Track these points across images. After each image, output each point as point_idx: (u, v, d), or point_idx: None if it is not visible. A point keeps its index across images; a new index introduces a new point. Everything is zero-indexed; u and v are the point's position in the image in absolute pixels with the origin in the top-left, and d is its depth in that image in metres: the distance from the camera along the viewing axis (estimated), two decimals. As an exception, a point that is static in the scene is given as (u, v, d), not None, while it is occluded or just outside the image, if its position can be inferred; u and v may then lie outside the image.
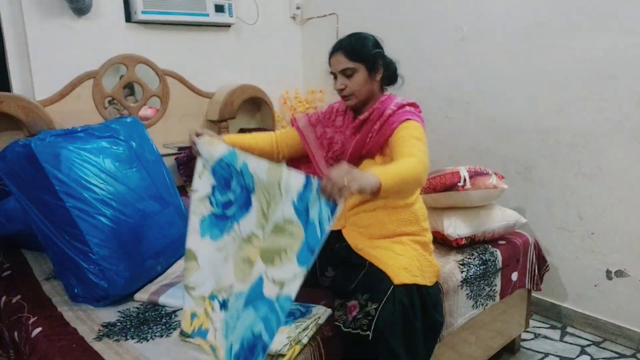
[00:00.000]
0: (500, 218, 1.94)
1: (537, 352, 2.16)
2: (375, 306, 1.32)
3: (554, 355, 2.13)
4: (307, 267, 1.10)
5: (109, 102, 2.63)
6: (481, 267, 1.78)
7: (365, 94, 1.52)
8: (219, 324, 1.26)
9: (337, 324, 1.36)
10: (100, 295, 1.50)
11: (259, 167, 1.24)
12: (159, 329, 1.36)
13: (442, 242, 1.89)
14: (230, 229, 1.32)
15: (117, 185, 1.60)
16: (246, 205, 1.28)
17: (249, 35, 3.08)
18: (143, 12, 2.54)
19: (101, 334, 1.34)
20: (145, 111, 2.73)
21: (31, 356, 1.30)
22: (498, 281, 1.86)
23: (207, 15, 2.78)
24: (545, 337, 2.27)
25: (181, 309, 1.47)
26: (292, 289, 1.11)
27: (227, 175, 1.33)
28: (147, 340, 1.31)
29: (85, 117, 2.43)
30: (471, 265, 1.76)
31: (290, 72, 3.34)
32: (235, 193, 1.33)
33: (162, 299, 1.51)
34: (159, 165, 1.85)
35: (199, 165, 1.40)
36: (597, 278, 2.22)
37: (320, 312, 1.38)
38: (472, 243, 1.89)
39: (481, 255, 1.82)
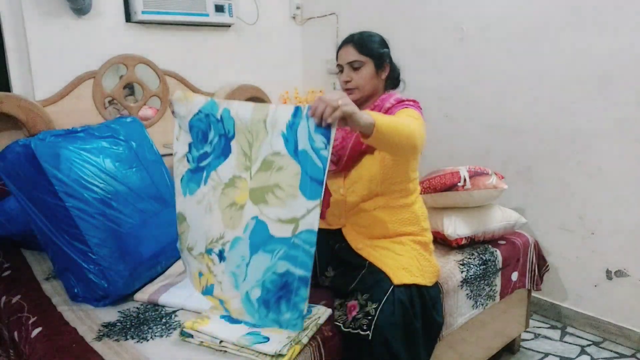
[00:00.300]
0: (500, 218, 1.94)
1: (537, 352, 2.16)
2: (375, 306, 1.32)
3: (554, 355, 2.13)
4: (319, 199, 1.08)
5: (109, 102, 2.63)
6: (481, 267, 1.78)
7: (369, 89, 1.53)
8: (222, 276, 1.25)
9: (337, 323, 1.36)
10: (100, 295, 1.49)
11: (242, 109, 1.21)
12: (159, 329, 1.36)
13: (442, 242, 1.89)
14: (207, 179, 1.30)
15: (117, 185, 1.60)
16: (224, 152, 1.27)
17: (249, 35, 3.08)
18: (143, 12, 2.54)
19: (101, 334, 1.34)
20: (145, 111, 2.73)
21: (31, 356, 1.30)
22: (498, 281, 1.86)
23: (207, 15, 2.78)
24: (545, 337, 2.27)
25: (181, 309, 1.47)
26: (311, 222, 1.09)
27: (204, 127, 1.31)
28: (147, 340, 1.31)
29: (85, 117, 2.43)
30: (471, 265, 1.76)
31: (290, 72, 3.34)
32: (212, 144, 1.30)
33: (162, 299, 1.51)
34: (159, 165, 1.85)
35: (176, 127, 1.40)
36: (597, 278, 2.22)
37: (320, 312, 1.38)
38: (472, 243, 1.89)
39: (481, 255, 1.82)
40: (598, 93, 2.09)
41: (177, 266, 1.73)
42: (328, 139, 1.09)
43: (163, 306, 1.50)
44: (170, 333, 1.34)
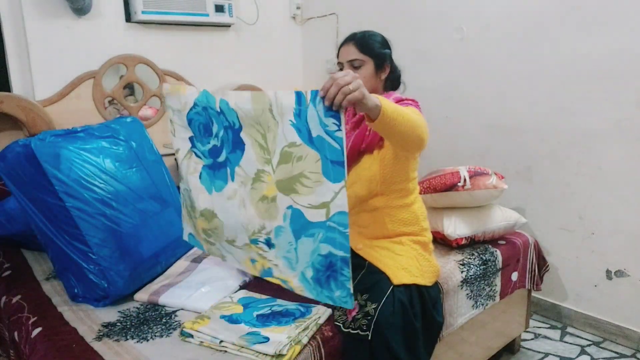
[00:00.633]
0: (500, 218, 1.94)
1: (537, 352, 2.16)
2: (374, 306, 1.32)
3: (554, 355, 2.13)
4: (343, 180, 1.10)
5: (109, 102, 2.63)
6: (481, 267, 1.78)
7: (368, 89, 1.50)
8: (277, 260, 1.28)
9: (337, 324, 1.36)
10: (100, 295, 1.49)
11: (240, 100, 1.18)
12: (159, 329, 1.36)
13: (442, 242, 1.89)
14: (234, 175, 1.29)
15: (117, 185, 1.60)
16: (237, 146, 1.25)
17: (249, 35, 3.08)
18: (143, 12, 2.54)
19: (101, 334, 1.34)
20: (145, 111, 2.73)
21: (31, 356, 1.30)
22: (498, 281, 1.86)
23: (207, 15, 2.78)
24: (545, 337, 2.27)
25: (181, 309, 1.47)
26: (341, 204, 1.11)
27: (205, 120, 1.29)
28: (147, 340, 1.31)
29: (85, 117, 2.43)
30: (471, 265, 1.76)
31: (290, 72, 3.34)
32: (218, 137, 1.28)
33: (162, 299, 1.51)
34: (159, 165, 1.85)
35: (168, 123, 1.39)
36: (597, 278, 2.22)
37: (320, 312, 1.38)
38: (472, 243, 1.89)
39: (481, 255, 1.82)
40: (598, 93, 2.09)
41: (177, 266, 1.73)
42: (339, 120, 1.08)
43: (163, 306, 1.50)
44: (170, 333, 1.34)
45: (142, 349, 1.26)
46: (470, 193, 1.84)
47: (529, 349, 2.18)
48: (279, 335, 1.25)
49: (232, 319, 1.35)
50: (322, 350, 1.30)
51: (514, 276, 1.93)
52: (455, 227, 1.83)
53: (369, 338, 1.29)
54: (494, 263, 1.83)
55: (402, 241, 1.51)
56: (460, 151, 2.60)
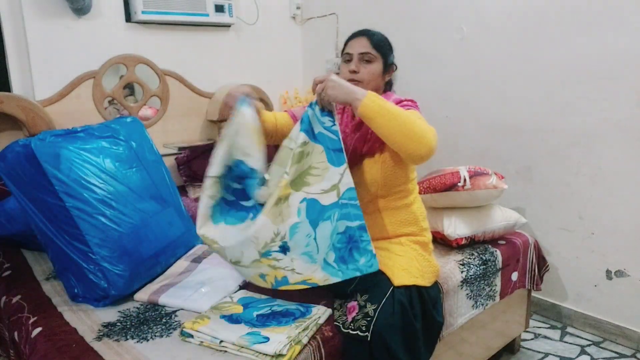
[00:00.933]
0: (500, 218, 1.94)
1: (537, 352, 2.16)
2: (374, 307, 1.32)
3: (554, 355, 2.13)
4: (344, 163, 1.32)
5: (109, 102, 2.63)
6: (481, 267, 1.78)
7: (373, 87, 1.51)
8: (293, 263, 1.33)
9: (337, 324, 1.36)
10: (100, 295, 1.49)
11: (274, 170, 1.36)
12: (159, 329, 1.36)
13: (442, 242, 1.89)
14: (256, 215, 1.35)
15: (117, 185, 1.60)
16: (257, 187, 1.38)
17: (249, 35, 3.08)
18: (143, 12, 2.54)
19: (101, 334, 1.34)
20: (145, 111, 2.73)
21: (31, 356, 1.30)
22: (498, 281, 1.86)
23: (207, 15, 2.78)
24: (545, 337, 2.27)
25: (181, 309, 1.47)
26: (347, 181, 1.32)
27: (241, 173, 1.39)
28: (147, 340, 1.31)
29: (85, 117, 2.43)
30: (471, 265, 1.76)
31: (290, 72, 3.34)
32: (250, 199, 1.40)
33: (162, 299, 1.51)
34: (159, 165, 1.85)
35: (223, 144, 1.41)
36: (597, 278, 2.22)
37: (320, 312, 1.38)
38: (472, 243, 1.89)
39: (481, 255, 1.82)
40: (598, 93, 2.09)
41: (177, 266, 1.73)
42: (332, 116, 1.36)
43: (163, 306, 1.50)
44: (170, 333, 1.34)
45: (142, 349, 1.26)
46: (470, 193, 1.84)
47: (529, 349, 2.18)
48: (279, 335, 1.25)
49: (232, 319, 1.35)
50: (322, 350, 1.30)
51: (514, 276, 1.93)
52: (455, 227, 1.83)
53: (368, 339, 1.29)
54: (494, 263, 1.83)
55: (402, 242, 1.51)
56: (460, 151, 2.60)
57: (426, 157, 1.34)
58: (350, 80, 1.48)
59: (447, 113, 2.63)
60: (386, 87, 1.59)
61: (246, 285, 1.61)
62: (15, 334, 1.44)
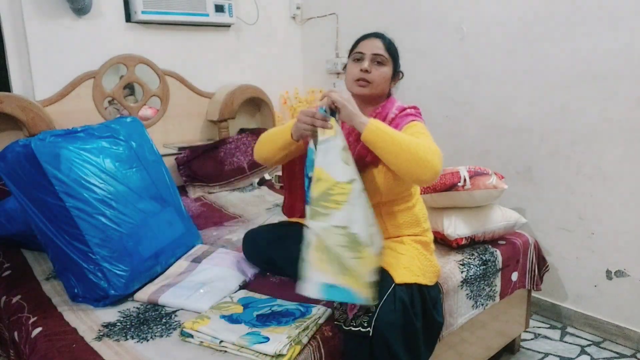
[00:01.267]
0: (500, 218, 1.94)
1: (537, 352, 2.16)
2: (375, 303, 1.32)
3: (554, 355, 2.13)
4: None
5: (109, 102, 2.63)
6: (481, 267, 1.78)
7: (380, 90, 1.51)
8: (374, 248, 1.32)
9: (338, 323, 1.36)
10: (100, 295, 1.49)
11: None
12: (159, 329, 1.36)
13: (442, 242, 1.89)
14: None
15: (117, 185, 1.60)
16: None
17: (249, 35, 3.08)
18: (143, 12, 2.54)
19: (101, 334, 1.34)
20: (145, 111, 2.73)
21: (31, 356, 1.30)
22: (498, 281, 1.86)
23: (207, 15, 2.78)
24: (545, 337, 2.27)
25: (181, 309, 1.47)
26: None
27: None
28: (147, 340, 1.31)
29: (85, 117, 2.44)
30: (471, 265, 1.76)
31: (290, 72, 3.34)
32: None
33: (162, 299, 1.51)
34: (159, 165, 1.85)
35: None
36: (597, 278, 2.22)
37: (320, 312, 1.38)
38: (472, 243, 1.89)
39: (481, 255, 1.82)
40: (598, 93, 2.09)
41: (177, 266, 1.73)
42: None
43: (163, 306, 1.50)
44: (170, 333, 1.34)
45: (142, 349, 1.26)
46: (470, 193, 1.84)
47: (529, 349, 2.18)
48: (279, 335, 1.25)
49: (232, 319, 1.35)
50: (322, 350, 1.30)
51: (514, 276, 1.93)
52: (455, 227, 1.83)
53: (370, 334, 1.29)
54: (494, 263, 1.83)
55: (404, 240, 1.52)
56: (460, 151, 2.60)
57: (431, 181, 1.34)
58: (361, 80, 1.48)
59: (447, 113, 2.63)
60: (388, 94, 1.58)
61: (246, 285, 1.61)
62: (15, 334, 1.44)
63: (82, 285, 1.51)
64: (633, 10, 1.94)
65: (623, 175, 2.07)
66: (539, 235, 2.35)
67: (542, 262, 2.06)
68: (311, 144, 1.39)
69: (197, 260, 1.76)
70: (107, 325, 1.39)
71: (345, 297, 1.26)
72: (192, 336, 1.29)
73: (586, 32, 2.08)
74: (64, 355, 1.25)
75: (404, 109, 1.50)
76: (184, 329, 1.31)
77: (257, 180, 2.85)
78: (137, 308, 1.49)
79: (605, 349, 2.16)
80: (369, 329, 1.29)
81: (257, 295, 1.51)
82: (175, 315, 1.44)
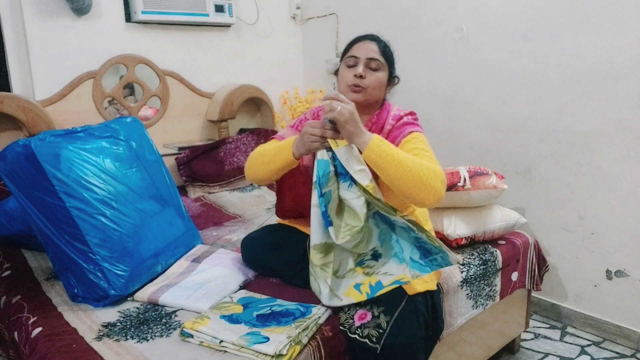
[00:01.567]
0: (500, 218, 1.94)
1: (537, 352, 2.16)
2: (387, 319, 1.27)
3: (554, 355, 2.13)
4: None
5: (109, 102, 2.63)
6: (481, 267, 1.78)
7: (375, 97, 1.45)
8: (384, 267, 1.36)
9: (343, 329, 1.32)
10: (100, 295, 1.49)
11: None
12: (159, 329, 1.36)
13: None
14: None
15: (117, 185, 1.60)
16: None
17: (249, 35, 3.09)
18: (143, 12, 2.54)
19: (101, 334, 1.34)
20: (145, 111, 2.73)
21: (31, 356, 1.30)
22: (498, 281, 1.86)
23: (207, 15, 2.78)
24: (545, 337, 2.27)
25: (181, 309, 1.47)
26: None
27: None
28: (147, 340, 1.31)
29: (85, 117, 2.44)
30: (471, 265, 1.76)
31: (290, 72, 3.34)
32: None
33: (162, 299, 1.51)
34: (159, 165, 1.85)
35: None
36: (597, 278, 2.22)
37: (320, 312, 1.38)
38: (472, 243, 1.89)
39: (481, 255, 1.82)
40: (598, 93, 2.09)
41: (177, 266, 1.73)
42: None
43: (163, 306, 1.50)
44: (170, 333, 1.34)
45: (142, 349, 1.26)
46: (470, 193, 1.84)
47: (529, 349, 2.18)
48: (279, 335, 1.25)
49: (232, 319, 1.35)
50: (322, 350, 1.30)
51: (514, 276, 1.93)
52: (455, 227, 1.83)
53: (378, 352, 1.24)
54: (493, 263, 1.83)
55: None
56: (460, 151, 2.60)
57: (433, 205, 1.31)
58: (355, 86, 1.42)
59: (447, 113, 2.63)
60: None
61: (246, 285, 1.61)
62: (15, 334, 1.44)
63: (82, 285, 1.51)
64: (633, 10, 1.94)
65: (623, 175, 2.07)
66: (539, 235, 2.36)
67: (542, 262, 2.06)
68: (319, 155, 1.33)
69: (197, 260, 1.76)
70: (107, 325, 1.39)
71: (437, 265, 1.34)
72: (192, 336, 1.29)
73: (586, 32, 2.08)
74: (63, 355, 1.25)
75: (401, 117, 1.45)
76: (184, 329, 1.31)
77: (257, 180, 2.85)
78: (137, 308, 1.49)
79: (605, 349, 2.16)
80: (377, 345, 1.24)
81: (257, 295, 1.51)
82: (175, 315, 1.44)
